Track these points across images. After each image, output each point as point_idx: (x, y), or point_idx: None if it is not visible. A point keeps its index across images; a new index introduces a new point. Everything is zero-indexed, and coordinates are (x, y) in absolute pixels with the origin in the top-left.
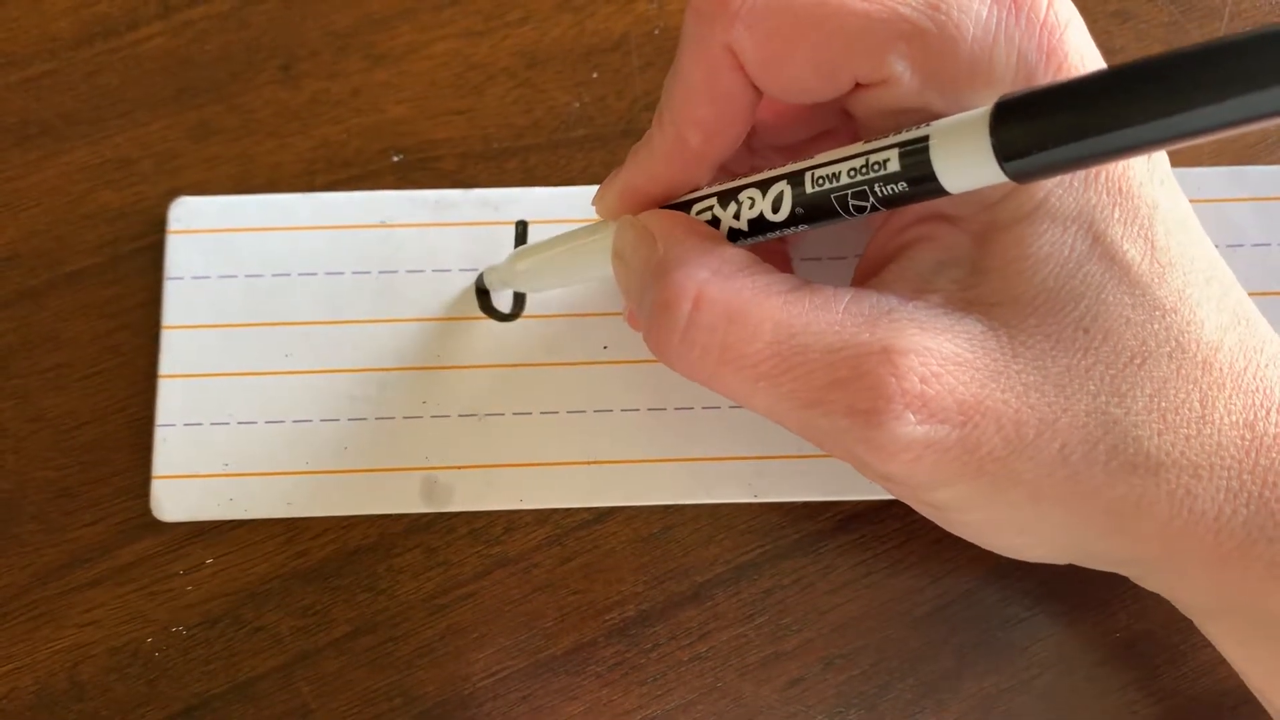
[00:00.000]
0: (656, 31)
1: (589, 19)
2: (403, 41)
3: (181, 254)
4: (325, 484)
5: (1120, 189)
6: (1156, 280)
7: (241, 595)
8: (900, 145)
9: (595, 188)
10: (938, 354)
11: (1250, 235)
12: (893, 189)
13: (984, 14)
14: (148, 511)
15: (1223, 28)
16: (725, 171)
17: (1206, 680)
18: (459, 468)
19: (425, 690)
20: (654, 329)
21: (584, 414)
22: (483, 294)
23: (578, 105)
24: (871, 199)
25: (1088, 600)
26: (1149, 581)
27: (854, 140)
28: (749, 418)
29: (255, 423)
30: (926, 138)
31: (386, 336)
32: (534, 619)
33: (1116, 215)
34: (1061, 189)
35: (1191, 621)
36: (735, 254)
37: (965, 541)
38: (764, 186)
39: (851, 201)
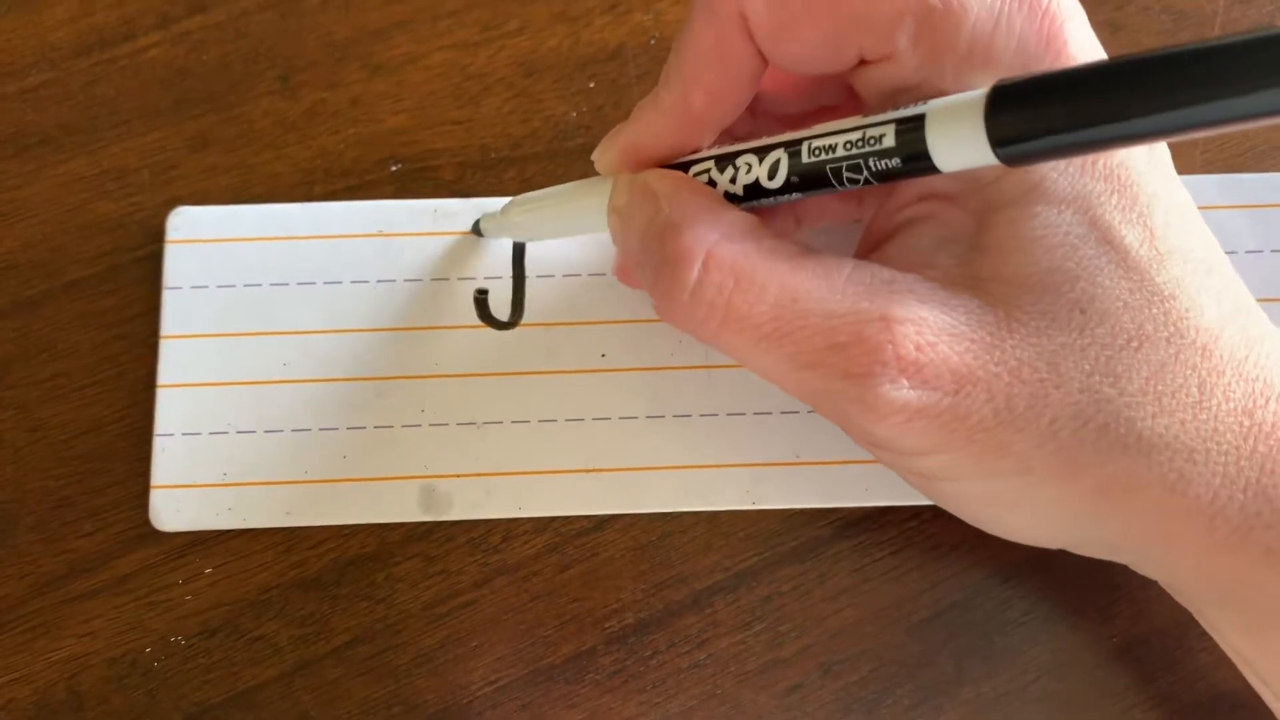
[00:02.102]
0: (653, 41)
1: (585, 29)
2: (401, 52)
3: (180, 264)
4: (324, 493)
5: (1119, 177)
6: (1155, 266)
7: (240, 605)
8: (896, 121)
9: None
10: (934, 324)
11: (1243, 242)
12: (886, 164)
13: None
14: (146, 521)
15: (1213, 36)
16: (728, 136)
17: (1204, 684)
18: (457, 476)
19: (425, 699)
20: (661, 286)
21: (582, 422)
22: (481, 303)
23: (575, 115)
24: (865, 172)
25: (1085, 605)
26: (1145, 568)
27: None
28: (747, 425)
29: (254, 432)
30: (923, 116)
31: (385, 345)
32: (533, 627)
33: (1114, 201)
34: (1057, 173)
35: (1189, 626)
36: (741, 217)
37: (963, 547)
38: (761, 153)
39: (846, 174)
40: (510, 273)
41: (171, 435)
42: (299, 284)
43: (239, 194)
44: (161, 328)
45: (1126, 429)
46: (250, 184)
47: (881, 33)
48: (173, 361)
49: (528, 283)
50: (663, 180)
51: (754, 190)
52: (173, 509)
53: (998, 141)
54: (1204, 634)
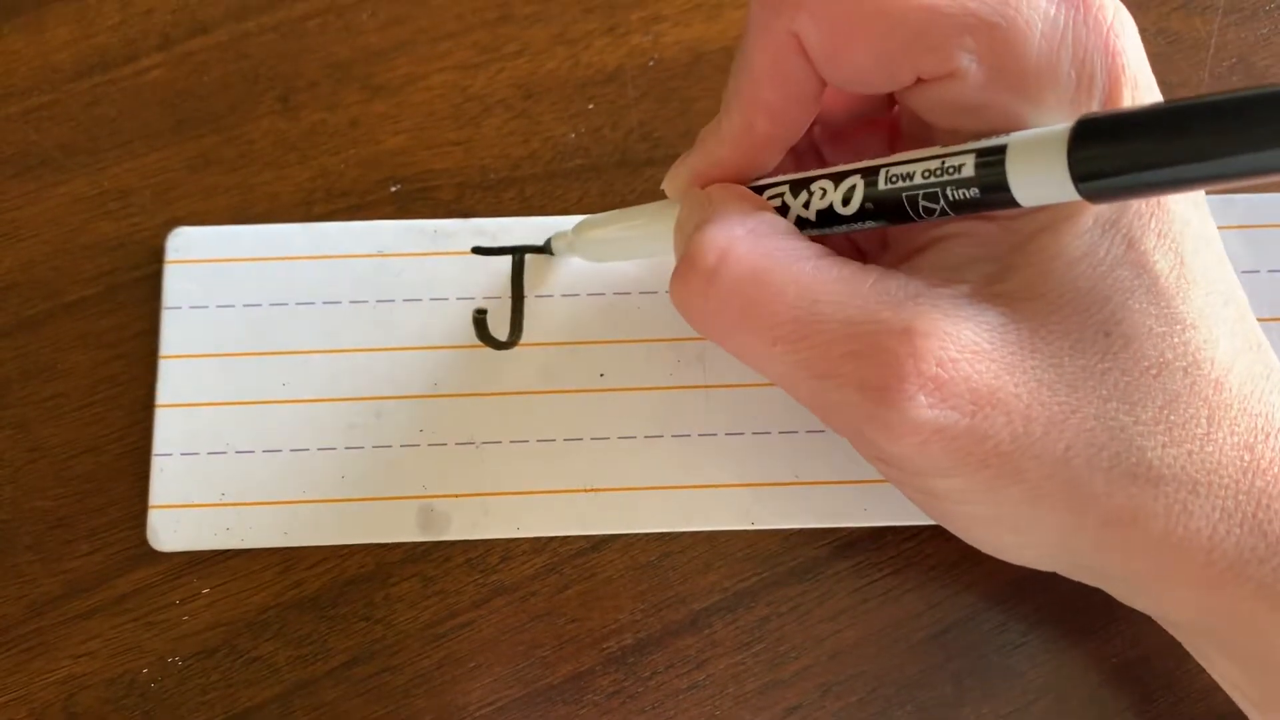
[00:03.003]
0: (651, 64)
1: (584, 51)
2: (401, 73)
3: (179, 284)
4: (322, 513)
5: (1159, 201)
6: (1181, 295)
7: (238, 625)
8: (977, 152)
9: (591, 217)
10: (957, 340)
11: (1239, 262)
12: (964, 194)
13: (1051, 11)
14: (144, 541)
15: (1208, 59)
16: (791, 154)
17: (1202, 706)
18: (456, 496)
19: None
20: (678, 280)
21: (580, 442)
22: (480, 323)
23: (574, 136)
24: (942, 202)
25: (1084, 626)
26: (1136, 599)
27: (894, 129)
28: (746, 445)
29: (252, 452)
30: (1004, 148)
31: (384, 365)
32: (531, 648)
33: (1153, 225)
34: None
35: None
36: (774, 219)
37: (961, 568)
38: (837, 179)
39: (922, 202)
40: (509, 293)
41: (170, 455)
42: (298, 304)
43: (239, 214)
44: (161, 348)
45: (1138, 458)
46: (250, 204)
47: (942, 52)
48: (172, 381)
49: (526, 303)
50: (719, 189)
51: (827, 216)
52: (171, 529)
53: (1080, 177)
54: None
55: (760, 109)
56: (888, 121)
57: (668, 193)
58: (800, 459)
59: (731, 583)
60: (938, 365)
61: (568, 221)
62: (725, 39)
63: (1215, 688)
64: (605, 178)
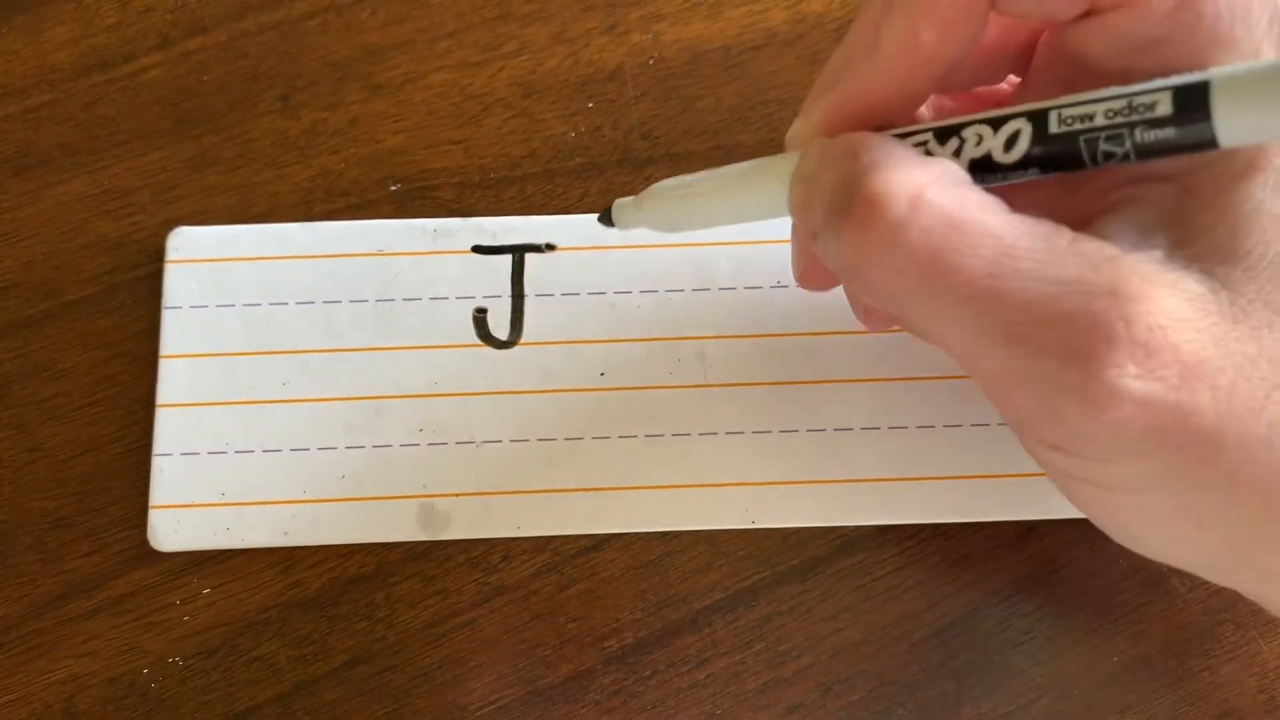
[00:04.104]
0: (651, 62)
1: (584, 50)
2: (400, 72)
3: (179, 283)
4: (322, 512)
5: None
6: None
7: (239, 625)
8: (1174, 89)
9: (593, 216)
10: (1164, 307)
11: None
12: (1156, 135)
13: None
14: (145, 541)
15: None
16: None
17: (1205, 703)
18: (456, 495)
19: (424, 719)
20: (854, 225)
21: (581, 441)
22: (480, 322)
23: (574, 135)
24: (1129, 143)
25: (1085, 624)
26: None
27: (1026, 91)
28: (746, 444)
29: (253, 451)
30: (1206, 83)
31: (384, 365)
32: (532, 647)
33: None
34: None
35: (1190, 645)
36: (954, 166)
37: (962, 566)
38: (996, 124)
39: (1102, 146)
40: (509, 292)
41: (170, 455)
42: (298, 303)
43: (239, 214)
44: (161, 347)
45: None
46: (250, 204)
47: None
48: (172, 381)
49: (526, 302)
50: (862, 135)
51: (983, 165)
52: (171, 529)
53: None
54: (1205, 653)
55: (929, 15)
56: (1002, 95)
57: (794, 140)
58: (800, 458)
59: (732, 582)
60: (1148, 331)
61: (567, 221)
62: (725, 37)
63: (1218, 686)
64: (605, 176)
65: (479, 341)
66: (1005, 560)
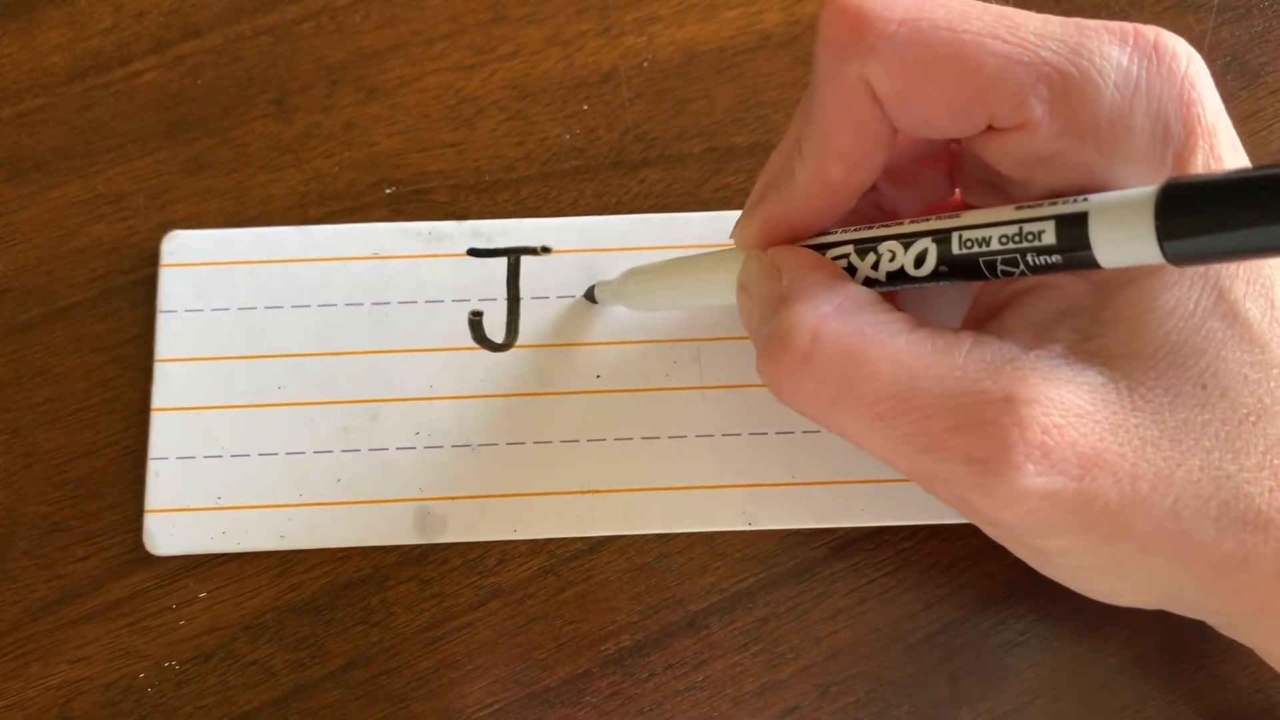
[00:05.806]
0: (645, 64)
1: (578, 53)
2: (394, 75)
3: (174, 287)
4: (318, 516)
5: None
6: (1275, 340)
7: (235, 629)
8: (1057, 219)
9: (588, 219)
10: (1060, 404)
11: None
12: (1045, 260)
13: (1124, 62)
14: (140, 545)
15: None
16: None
17: (1201, 704)
18: (452, 498)
19: None
20: (769, 359)
21: (577, 443)
22: (476, 325)
23: (568, 137)
24: (1022, 266)
25: (1082, 625)
26: (1238, 633)
27: (954, 164)
28: (742, 446)
29: (248, 455)
30: (1085, 214)
31: (379, 368)
32: (529, 650)
33: (1241, 273)
34: None
35: (1186, 647)
36: (859, 292)
37: (959, 567)
38: (906, 242)
39: (1001, 266)
40: (505, 295)
41: (165, 459)
42: (293, 307)
43: (233, 217)
44: (156, 351)
45: (1245, 505)
46: (244, 207)
47: (1015, 101)
48: (167, 385)
49: (522, 305)
50: (785, 255)
51: (899, 277)
52: (166, 533)
53: (1169, 243)
54: (1201, 654)
55: (834, 156)
56: (947, 158)
57: (737, 243)
58: (797, 459)
59: (729, 584)
60: (1043, 432)
61: (563, 223)
62: (719, 39)
63: (1214, 687)
64: (600, 178)
65: (475, 344)
66: (1001, 561)
